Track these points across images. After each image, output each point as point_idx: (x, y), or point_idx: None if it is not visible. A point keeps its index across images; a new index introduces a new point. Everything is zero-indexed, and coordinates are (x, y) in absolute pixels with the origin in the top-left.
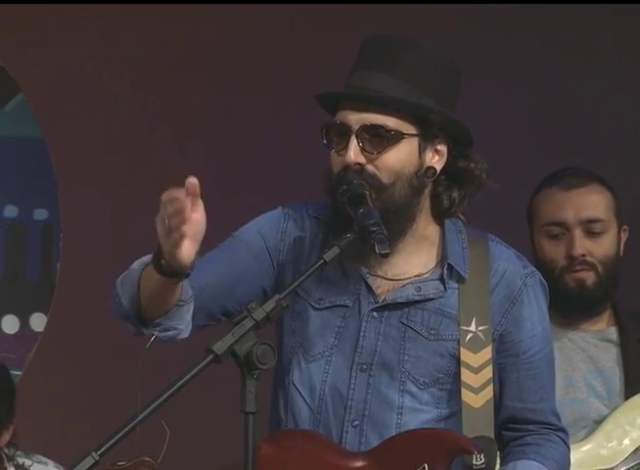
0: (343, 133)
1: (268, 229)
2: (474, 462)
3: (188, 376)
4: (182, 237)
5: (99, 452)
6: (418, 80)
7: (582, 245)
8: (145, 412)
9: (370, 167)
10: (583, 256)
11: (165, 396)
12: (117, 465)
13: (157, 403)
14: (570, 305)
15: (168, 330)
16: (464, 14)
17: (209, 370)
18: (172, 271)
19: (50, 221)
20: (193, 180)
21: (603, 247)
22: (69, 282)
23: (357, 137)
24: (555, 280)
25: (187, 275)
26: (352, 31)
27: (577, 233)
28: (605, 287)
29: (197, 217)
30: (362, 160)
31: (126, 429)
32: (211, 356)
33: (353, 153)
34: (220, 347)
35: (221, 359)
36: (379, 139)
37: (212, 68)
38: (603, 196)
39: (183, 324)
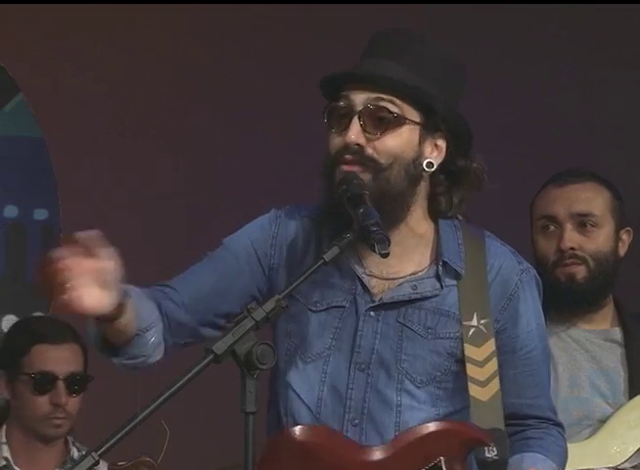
0: (346, 114)
1: (259, 234)
2: (486, 455)
3: (188, 376)
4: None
5: (99, 452)
6: (425, 70)
7: (572, 238)
8: (145, 412)
9: (369, 149)
10: (573, 249)
11: (165, 396)
12: (117, 465)
13: (157, 403)
14: (561, 300)
15: (135, 358)
16: (464, 14)
17: (209, 370)
18: None
19: (50, 221)
20: (81, 237)
21: (595, 242)
22: None
23: (360, 117)
24: (547, 275)
25: (113, 319)
26: (352, 31)
27: (568, 227)
28: (597, 282)
29: (101, 266)
30: (362, 141)
31: (126, 429)
32: (211, 356)
33: (354, 133)
34: (220, 347)
35: (221, 359)
36: (381, 121)
37: (213, 68)
38: (598, 193)
39: (148, 351)
